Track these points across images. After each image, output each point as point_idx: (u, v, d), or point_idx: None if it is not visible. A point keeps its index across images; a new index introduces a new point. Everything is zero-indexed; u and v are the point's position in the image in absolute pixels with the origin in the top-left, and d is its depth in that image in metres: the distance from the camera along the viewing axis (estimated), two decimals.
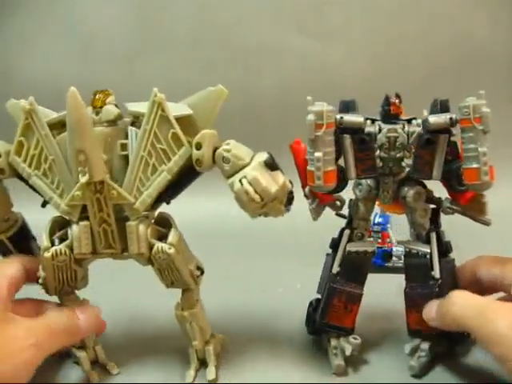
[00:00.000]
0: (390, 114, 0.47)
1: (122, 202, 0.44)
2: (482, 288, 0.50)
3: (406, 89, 0.97)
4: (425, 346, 0.50)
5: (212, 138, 0.44)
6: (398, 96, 0.47)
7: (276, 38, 1.04)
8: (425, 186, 0.51)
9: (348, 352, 0.49)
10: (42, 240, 0.45)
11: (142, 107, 0.44)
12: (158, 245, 0.45)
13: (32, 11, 1.01)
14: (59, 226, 0.46)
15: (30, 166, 0.44)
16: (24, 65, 1.01)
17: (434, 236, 0.51)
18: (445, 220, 0.72)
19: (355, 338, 0.51)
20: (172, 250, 0.45)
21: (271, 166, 0.45)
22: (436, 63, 1.06)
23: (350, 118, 0.47)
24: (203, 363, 0.51)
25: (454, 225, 0.72)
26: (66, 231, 0.45)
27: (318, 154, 0.44)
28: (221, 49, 1.03)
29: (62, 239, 0.45)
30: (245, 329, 0.55)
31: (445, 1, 1.07)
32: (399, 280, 0.53)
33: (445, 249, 0.51)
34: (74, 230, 0.44)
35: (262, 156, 0.45)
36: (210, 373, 0.50)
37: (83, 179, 0.42)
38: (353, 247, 0.49)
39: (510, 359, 0.37)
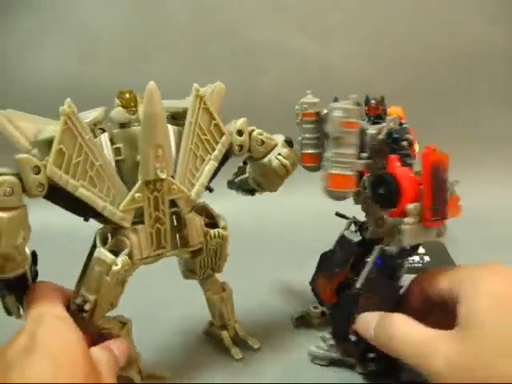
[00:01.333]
0: (367, 115, 0.47)
1: (181, 196, 0.44)
2: (433, 307, 0.44)
3: (405, 88, 0.98)
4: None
5: (247, 125, 0.48)
6: (381, 98, 0.47)
7: (276, 37, 1.04)
8: None
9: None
10: (103, 255, 0.40)
11: (178, 103, 0.45)
12: (213, 231, 0.47)
13: (34, 12, 1.00)
14: (104, 240, 0.43)
15: (73, 176, 0.38)
16: (26, 65, 1.00)
17: (377, 249, 0.46)
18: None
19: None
20: (227, 232, 0.48)
21: (290, 143, 0.50)
22: (436, 63, 1.06)
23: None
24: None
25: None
26: (115, 242, 0.43)
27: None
28: (221, 48, 1.03)
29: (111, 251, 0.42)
30: (244, 328, 0.55)
31: (446, 3, 1.07)
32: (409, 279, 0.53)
33: (387, 273, 0.47)
34: (132, 236, 0.42)
35: (281, 136, 0.51)
36: (255, 343, 0.52)
37: (163, 175, 0.41)
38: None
39: None
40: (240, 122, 0.48)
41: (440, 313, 0.42)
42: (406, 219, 0.41)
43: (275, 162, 0.49)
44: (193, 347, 0.54)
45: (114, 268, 0.40)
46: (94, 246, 0.42)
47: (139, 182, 0.41)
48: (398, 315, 0.41)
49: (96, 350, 0.40)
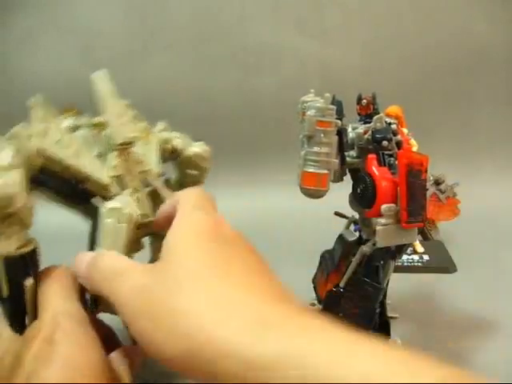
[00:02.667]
0: (359, 114, 0.47)
1: (149, 168, 0.44)
2: None
3: (405, 87, 0.98)
4: None
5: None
6: (372, 97, 0.47)
7: (276, 37, 1.04)
8: None
9: None
10: (110, 204, 0.39)
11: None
12: None
13: (33, 11, 1.01)
14: None
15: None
16: (26, 64, 1.01)
17: (360, 252, 0.45)
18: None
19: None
20: None
21: None
22: (436, 62, 1.06)
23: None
24: None
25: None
26: None
27: None
28: (221, 48, 1.03)
29: None
30: None
31: (446, 3, 1.07)
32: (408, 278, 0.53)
33: (371, 273, 0.46)
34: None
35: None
36: None
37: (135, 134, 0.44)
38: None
39: (132, 328, 0.30)
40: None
41: None
42: (380, 220, 0.41)
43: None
44: None
45: (126, 210, 0.38)
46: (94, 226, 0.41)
47: (114, 152, 0.41)
48: (113, 252, 0.37)
49: (115, 357, 0.38)
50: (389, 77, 1.00)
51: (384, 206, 0.41)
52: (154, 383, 0.45)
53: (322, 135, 0.42)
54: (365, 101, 0.46)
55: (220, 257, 0.32)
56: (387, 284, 0.48)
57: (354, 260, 0.46)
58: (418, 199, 0.41)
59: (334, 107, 0.43)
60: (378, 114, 0.46)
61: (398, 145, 0.44)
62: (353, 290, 0.46)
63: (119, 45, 1.01)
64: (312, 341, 0.26)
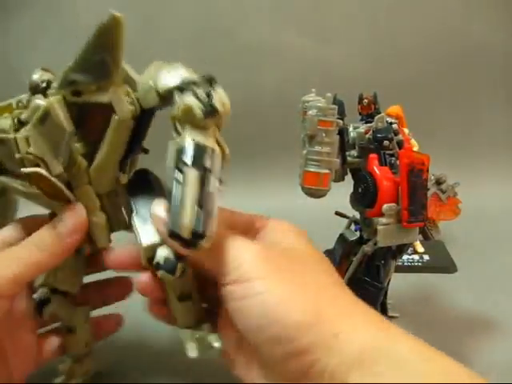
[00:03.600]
0: (360, 114, 0.47)
1: None
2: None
3: (405, 87, 0.98)
4: None
5: None
6: (373, 96, 0.47)
7: (276, 37, 1.04)
8: None
9: None
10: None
11: None
12: None
13: (33, 11, 1.01)
14: None
15: None
16: (26, 65, 1.00)
17: (361, 251, 0.45)
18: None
19: None
20: None
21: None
22: (436, 62, 1.05)
23: None
24: None
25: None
26: None
27: None
28: (221, 49, 1.03)
29: None
30: None
31: (447, 3, 1.07)
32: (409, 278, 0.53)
33: (372, 273, 0.46)
34: None
35: None
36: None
37: None
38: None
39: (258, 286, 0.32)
40: None
41: None
42: (381, 219, 0.41)
43: None
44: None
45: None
46: None
47: None
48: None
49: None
50: (389, 77, 1.00)
51: (385, 206, 0.41)
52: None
53: (324, 135, 0.42)
54: (366, 100, 0.46)
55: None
56: (388, 284, 0.48)
57: (355, 260, 0.46)
58: (418, 199, 0.41)
59: (336, 107, 0.43)
60: (379, 113, 0.46)
61: (399, 144, 0.44)
62: (354, 290, 0.46)
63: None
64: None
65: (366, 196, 0.42)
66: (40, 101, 0.35)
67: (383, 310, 0.48)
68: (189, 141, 0.33)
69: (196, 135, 0.33)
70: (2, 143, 0.36)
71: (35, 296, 0.39)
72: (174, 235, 0.31)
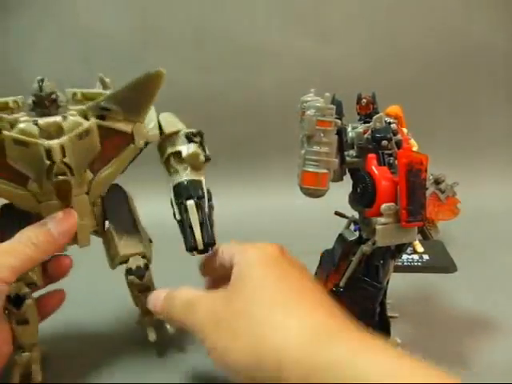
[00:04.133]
0: (359, 114, 0.47)
1: None
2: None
3: (405, 87, 0.98)
4: None
5: None
6: (372, 96, 0.47)
7: (276, 37, 1.04)
8: None
9: None
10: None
11: None
12: None
13: (33, 11, 1.00)
14: None
15: None
16: (26, 65, 1.01)
17: (360, 251, 0.46)
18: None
19: None
20: None
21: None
22: (435, 63, 1.06)
23: None
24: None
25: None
26: None
27: None
28: (220, 49, 1.03)
29: None
30: None
31: (447, 3, 1.07)
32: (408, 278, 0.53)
33: (371, 272, 0.46)
34: None
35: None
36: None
37: None
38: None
39: (209, 345, 0.37)
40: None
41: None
42: (380, 219, 0.41)
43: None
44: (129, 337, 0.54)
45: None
46: None
47: None
48: (185, 287, 0.42)
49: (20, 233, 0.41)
50: (389, 76, 1.00)
51: (384, 206, 0.41)
52: None
53: (322, 135, 0.42)
54: (364, 100, 0.46)
55: (285, 279, 0.38)
56: (387, 283, 0.48)
57: (354, 259, 0.46)
58: (417, 198, 0.41)
59: (334, 107, 0.43)
60: (378, 113, 0.46)
61: (398, 144, 0.44)
62: (353, 290, 0.46)
63: (119, 45, 1.01)
64: (364, 350, 0.32)
65: (364, 196, 0.42)
66: (83, 120, 0.41)
67: (383, 310, 0.49)
68: (190, 179, 0.47)
69: (195, 174, 0.47)
70: (26, 146, 0.39)
71: (12, 290, 0.42)
72: (191, 249, 0.45)
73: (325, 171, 0.42)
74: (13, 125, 0.39)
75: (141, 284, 0.47)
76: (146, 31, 1.02)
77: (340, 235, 0.51)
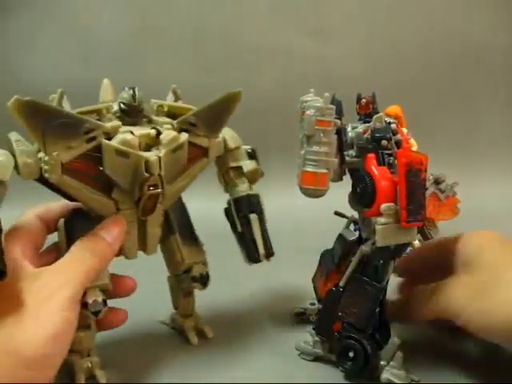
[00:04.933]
0: (358, 114, 0.47)
1: None
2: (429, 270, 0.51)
3: (404, 87, 0.98)
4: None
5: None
6: (372, 96, 0.47)
7: (275, 37, 1.04)
8: None
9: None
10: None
11: None
12: None
13: (33, 11, 1.01)
14: None
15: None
16: (25, 65, 1.01)
17: (360, 251, 0.46)
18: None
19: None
20: None
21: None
22: (434, 62, 1.06)
23: None
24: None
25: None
26: None
27: None
28: (220, 49, 1.03)
29: None
30: (237, 326, 0.55)
31: (446, 4, 1.07)
32: None
33: (371, 273, 0.46)
34: None
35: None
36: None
37: None
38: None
39: (466, 318, 0.43)
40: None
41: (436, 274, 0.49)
42: (380, 219, 0.41)
43: None
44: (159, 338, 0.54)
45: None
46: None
47: None
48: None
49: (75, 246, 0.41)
50: (389, 76, 1.00)
51: (384, 206, 0.41)
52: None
53: (322, 135, 0.42)
54: (364, 100, 0.46)
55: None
56: (387, 283, 0.48)
57: (354, 259, 0.46)
58: (417, 198, 0.41)
59: (334, 107, 0.42)
60: (378, 113, 0.46)
61: (398, 144, 0.44)
62: (352, 290, 0.46)
63: (119, 45, 1.01)
64: None
65: (364, 196, 0.42)
66: (177, 134, 0.43)
67: (383, 311, 0.48)
68: (251, 194, 0.50)
69: (252, 189, 0.51)
70: (126, 156, 0.40)
71: (91, 299, 0.42)
72: (254, 261, 0.49)
73: (324, 171, 0.42)
74: (109, 134, 0.40)
75: (187, 289, 0.51)
76: (146, 31, 1.02)
77: (340, 235, 0.51)
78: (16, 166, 0.39)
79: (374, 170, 0.42)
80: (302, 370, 0.48)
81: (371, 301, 0.46)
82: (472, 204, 0.71)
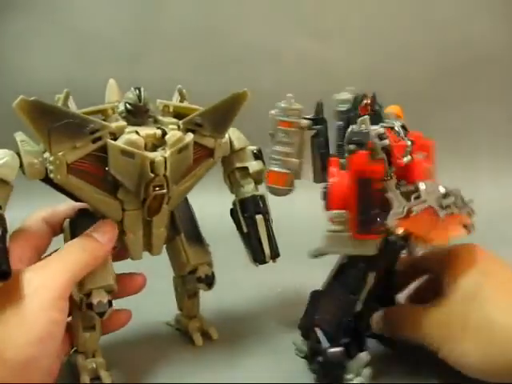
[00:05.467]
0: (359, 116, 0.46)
1: None
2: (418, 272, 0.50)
3: (405, 87, 0.98)
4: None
5: None
6: (372, 97, 0.46)
7: (275, 37, 1.03)
8: None
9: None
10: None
11: None
12: None
13: (31, 11, 1.01)
14: None
15: None
16: (23, 65, 1.01)
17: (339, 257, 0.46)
18: None
19: None
20: None
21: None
22: (435, 62, 1.05)
23: None
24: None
25: None
26: None
27: None
28: (220, 49, 1.03)
29: None
30: (240, 327, 0.56)
31: (445, 4, 1.07)
32: None
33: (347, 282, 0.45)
34: None
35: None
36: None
37: None
38: None
39: (445, 353, 0.41)
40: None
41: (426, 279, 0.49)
42: (328, 226, 0.41)
43: None
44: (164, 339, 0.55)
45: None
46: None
47: None
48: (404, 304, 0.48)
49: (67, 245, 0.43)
50: (389, 76, 0.99)
51: (334, 212, 0.40)
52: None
53: (283, 135, 0.43)
54: (365, 102, 0.46)
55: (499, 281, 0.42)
56: (369, 296, 0.45)
57: (335, 265, 0.46)
58: (370, 209, 0.39)
59: (299, 108, 0.43)
60: (378, 114, 0.46)
61: (385, 150, 0.41)
62: (329, 296, 0.45)
63: (118, 45, 1.01)
64: None
65: (324, 198, 0.41)
66: (184, 135, 0.43)
67: (359, 323, 0.45)
68: (257, 194, 0.50)
69: (257, 189, 0.51)
70: (132, 157, 0.40)
71: (96, 300, 0.42)
72: (260, 262, 0.49)
73: (285, 171, 0.43)
74: (115, 134, 0.41)
75: (192, 290, 0.52)
76: (145, 31, 1.02)
77: None
78: (21, 166, 0.40)
79: (330, 174, 0.41)
80: (303, 371, 0.47)
81: (342, 311, 0.44)
82: (472, 204, 0.71)
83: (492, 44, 1.06)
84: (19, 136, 0.41)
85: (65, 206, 0.46)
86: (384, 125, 0.43)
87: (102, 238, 0.42)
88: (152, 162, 0.41)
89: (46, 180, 0.41)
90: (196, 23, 1.03)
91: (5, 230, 0.37)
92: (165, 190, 0.42)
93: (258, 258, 0.49)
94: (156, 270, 0.50)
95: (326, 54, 1.03)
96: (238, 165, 0.50)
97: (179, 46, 1.02)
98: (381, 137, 0.41)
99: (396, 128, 0.44)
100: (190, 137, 0.43)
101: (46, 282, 0.37)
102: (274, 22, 1.03)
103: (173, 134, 0.42)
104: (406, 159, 0.43)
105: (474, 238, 0.77)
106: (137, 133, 0.41)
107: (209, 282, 0.51)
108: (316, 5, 1.03)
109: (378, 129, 0.41)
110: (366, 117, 0.41)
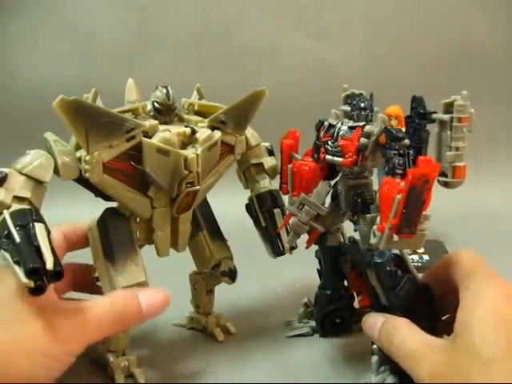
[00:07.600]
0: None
1: None
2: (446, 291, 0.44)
3: (404, 89, 0.99)
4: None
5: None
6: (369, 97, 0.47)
7: (275, 37, 1.04)
8: None
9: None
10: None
11: None
12: None
13: (32, 11, 0.99)
14: None
15: None
16: (24, 65, 0.99)
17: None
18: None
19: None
20: None
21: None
22: (435, 63, 1.04)
23: None
24: None
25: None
26: None
27: None
28: (220, 49, 1.03)
29: None
30: (241, 327, 0.56)
31: (445, 3, 1.08)
32: None
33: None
34: None
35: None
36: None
37: None
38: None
39: None
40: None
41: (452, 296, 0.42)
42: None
43: None
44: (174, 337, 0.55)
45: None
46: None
47: None
48: (401, 320, 0.41)
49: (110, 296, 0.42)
50: (389, 77, 1.01)
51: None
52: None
53: (465, 130, 0.51)
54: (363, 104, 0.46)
55: None
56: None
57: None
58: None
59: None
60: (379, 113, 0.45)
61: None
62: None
63: (119, 45, 1.00)
64: None
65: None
66: (214, 132, 0.44)
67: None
68: (273, 189, 0.51)
69: (271, 184, 0.52)
70: (167, 155, 0.41)
71: None
72: (279, 254, 0.50)
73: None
74: (147, 132, 0.41)
75: (213, 285, 0.53)
76: (145, 31, 1.01)
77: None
78: (55, 167, 0.40)
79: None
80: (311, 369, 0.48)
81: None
82: (472, 204, 0.72)
83: (493, 43, 1.08)
84: (50, 136, 0.41)
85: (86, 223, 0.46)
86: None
87: (146, 307, 0.41)
88: (185, 159, 0.41)
89: (78, 179, 0.41)
90: (197, 23, 1.02)
91: (49, 232, 0.37)
92: (198, 187, 0.43)
93: (276, 250, 0.50)
94: (160, 271, 0.49)
95: (327, 54, 1.03)
96: (254, 161, 0.52)
97: (180, 46, 1.02)
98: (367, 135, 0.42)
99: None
100: (218, 134, 0.44)
101: (66, 337, 0.37)
102: (275, 22, 1.03)
103: (203, 132, 0.43)
104: None
105: (475, 239, 0.79)
106: (169, 131, 0.42)
107: (232, 275, 0.51)
108: (316, 5, 1.03)
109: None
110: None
